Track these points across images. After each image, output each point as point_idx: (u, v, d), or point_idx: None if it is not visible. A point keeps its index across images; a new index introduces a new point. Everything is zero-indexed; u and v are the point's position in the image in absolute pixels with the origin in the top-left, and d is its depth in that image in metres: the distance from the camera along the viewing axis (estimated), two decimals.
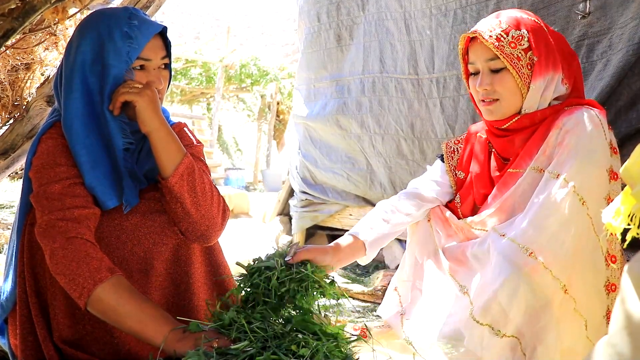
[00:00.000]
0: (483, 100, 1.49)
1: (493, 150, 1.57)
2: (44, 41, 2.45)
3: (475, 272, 1.42)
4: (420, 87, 2.97)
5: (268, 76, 12.63)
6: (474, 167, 1.60)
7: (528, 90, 1.43)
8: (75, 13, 2.18)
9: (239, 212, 6.31)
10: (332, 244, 1.53)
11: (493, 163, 1.55)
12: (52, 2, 1.76)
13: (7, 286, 1.37)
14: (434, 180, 1.69)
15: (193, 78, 12.82)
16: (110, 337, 1.28)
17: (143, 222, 1.31)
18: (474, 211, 1.57)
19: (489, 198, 1.50)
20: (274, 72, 12.75)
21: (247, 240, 4.19)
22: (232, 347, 1.08)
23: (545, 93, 1.44)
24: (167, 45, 1.40)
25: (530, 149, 1.44)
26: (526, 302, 1.25)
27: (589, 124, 1.35)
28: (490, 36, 1.42)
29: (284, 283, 1.22)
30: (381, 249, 1.96)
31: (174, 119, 1.51)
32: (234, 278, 1.28)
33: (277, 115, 13.68)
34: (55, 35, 2.40)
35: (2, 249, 3.13)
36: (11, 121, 2.63)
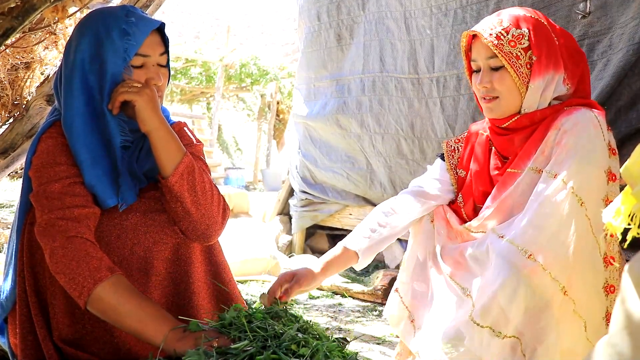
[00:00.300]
0: (484, 98, 1.49)
1: (493, 148, 1.57)
2: (43, 40, 2.45)
3: (474, 274, 1.41)
4: (420, 87, 2.96)
5: (268, 75, 12.63)
6: (474, 165, 1.60)
7: (527, 90, 1.42)
8: (75, 12, 2.18)
9: (238, 211, 6.31)
10: (321, 261, 1.54)
11: (493, 161, 1.55)
12: (52, 1, 1.76)
13: (7, 285, 1.37)
14: (435, 179, 1.68)
15: (193, 77, 12.81)
16: (110, 336, 1.28)
17: (143, 221, 1.31)
18: (476, 210, 1.57)
19: (488, 199, 1.50)
20: (274, 71, 12.74)
21: (247, 239, 4.19)
22: (232, 346, 1.08)
23: (545, 93, 1.43)
24: (165, 41, 1.40)
25: (529, 149, 1.43)
26: (526, 303, 1.24)
27: (587, 125, 1.34)
28: (490, 34, 1.42)
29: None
30: None
31: (173, 119, 1.51)
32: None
33: (277, 115, 13.68)
34: (55, 34, 2.40)
35: (2, 248, 3.13)
36: (11, 120, 2.63)
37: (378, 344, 2.27)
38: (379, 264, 3.58)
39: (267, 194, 8.87)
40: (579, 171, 1.30)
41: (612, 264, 1.32)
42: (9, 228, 3.54)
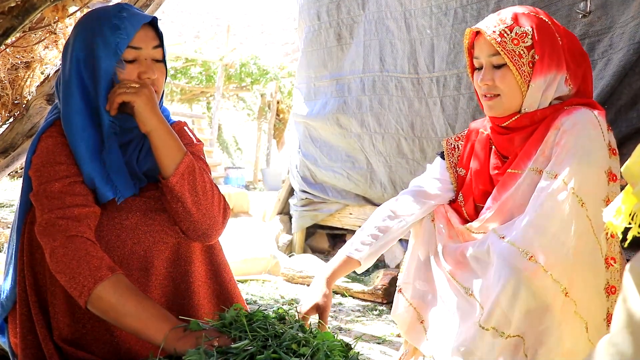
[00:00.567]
0: (485, 95, 1.49)
1: (493, 147, 1.56)
2: (44, 39, 2.45)
3: (475, 273, 1.41)
4: (420, 86, 2.96)
5: (268, 75, 12.63)
6: (474, 164, 1.59)
7: (528, 89, 1.42)
8: (75, 11, 2.18)
9: (239, 211, 6.31)
10: (328, 275, 1.53)
11: (492, 160, 1.55)
12: (52, 0, 1.75)
13: (7, 285, 1.37)
14: (435, 178, 1.68)
15: (193, 77, 12.81)
16: (110, 336, 1.28)
17: (143, 221, 1.31)
18: (476, 209, 1.57)
19: (488, 200, 1.49)
20: (274, 71, 12.74)
21: (247, 239, 4.19)
22: (233, 345, 1.07)
23: (547, 92, 1.43)
24: (159, 37, 1.39)
25: (529, 149, 1.43)
26: (527, 305, 1.24)
27: (587, 125, 1.34)
28: (493, 32, 1.41)
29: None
30: None
31: (173, 118, 1.51)
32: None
33: (277, 114, 13.68)
34: (55, 33, 2.40)
35: (2, 247, 3.13)
36: (11, 120, 2.63)
37: (378, 343, 2.27)
38: (379, 263, 3.58)
39: (267, 193, 8.87)
40: (579, 171, 1.30)
41: (613, 265, 1.32)
42: (9, 227, 3.54)
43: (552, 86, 1.42)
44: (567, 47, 1.43)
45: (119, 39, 1.30)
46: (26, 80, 2.63)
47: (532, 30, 1.40)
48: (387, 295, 2.85)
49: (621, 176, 1.31)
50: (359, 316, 2.67)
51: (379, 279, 2.95)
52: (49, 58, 2.63)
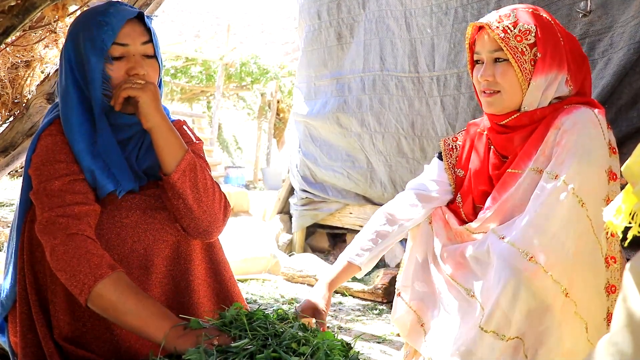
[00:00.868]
0: (484, 92, 1.47)
1: (492, 147, 1.55)
2: (44, 39, 2.45)
3: (476, 274, 1.40)
4: (420, 85, 2.96)
5: (268, 74, 12.62)
6: (473, 164, 1.58)
7: (528, 87, 1.41)
8: (75, 10, 2.18)
9: (239, 210, 6.30)
10: (328, 281, 1.54)
11: (492, 160, 1.54)
12: None
13: (7, 284, 1.37)
14: (432, 180, 1.66)
15: (193, 76, 12.81)
16: (110, 334, 1.28)
17: (143, 219, 1.31)
18: (475, 210, 1.56)
19: (488, 200, 1.48)
20: (274, 70, 12.74)
21: (247, 238, 4.19)
22: (233, 344, 1.07)
23: (547, 92, 1.42)
24: (150, 32, 1.37)
25: (529, 149, 1.42)
26: (527, 306, 1.24)
27: (587, 124, 1.33)
28: (497, 27, 1.40)
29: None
30: None
31: (174, 117, 1.51)
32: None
33: (277, 114, 13.68)
34: (55, 32, 2.39)
35: (2, 247, 3.13)
36: (11, 119, 2.63)
37: (379, 342, 2.27)
38: (379, 262, 3.58)
39: (267, 192, 8.87)
40: (579, 171, 1.29)
41: (613, 264, 1.32)
42: (9, 227, 3.54)
43: (553, 86, 1.42)
44: (569, 48, 1.43)
45: (105, 35, 1.29)
46: (26, 79, 2.63)
47: (536, 28, 1.40)
48: (387, 295, 2.85)
49: (621, 175, 1.32)
50: (359, 315, 2.67)
51: (379, 279, 2.95)
52: (49, 57, 2.63)
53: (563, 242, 1.26)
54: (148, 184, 1.39)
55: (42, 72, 2.67)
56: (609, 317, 1.30)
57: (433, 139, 2.95)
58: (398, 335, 2.31)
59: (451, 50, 2.75)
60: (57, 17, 2.11)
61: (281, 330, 1.14)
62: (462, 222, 1.56)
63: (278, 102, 13.45)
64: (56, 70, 2.50)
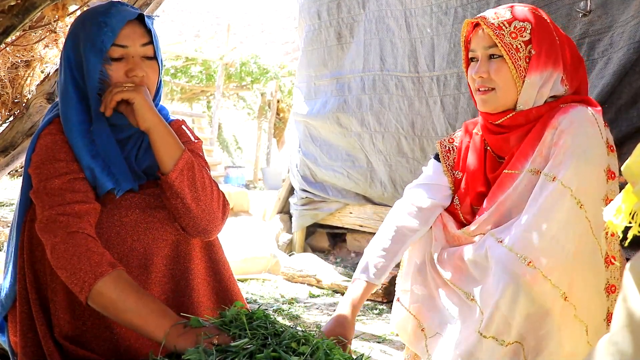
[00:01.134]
0: (478, 90, 1.46)
1: (488, 147, 1.53)
2: (44, 38, 2.45)
3: (475, 278, 1.38)
4: (420, 85, 2.96)
5: (268, 74, 12.62)
6: (469, 165, 1.56)
7: (523, 84, 1.39)
8: (75, 10, 2.18)
9: (239, 210, 6.30)
10: (347, 305, 1.50)
11: (488, 161, 1.52)
12: None
13: (7, 283, 1.37)
14: (432, 185, 1.61)
15: (193, 76, 12.81)
16: (110, 333, 1.28)
17: (143, 218, 1.31)
18: (473, 211, 1.54)
19: (485, 202, 1.47)
20: (274, 70, 12.74)
21: (247, 238, 4.19)
22: (232, 344, 1.07)
23: (542, 90, 1.40)
24: (150, 34, 1.36)
25: (526, 149, 1.40)
26: (527, 310, 1.23)
27: (584, 123, 1.32)
28: (492, 23, 1.39)
29: None
30: None
31: (173, 117, 1.51)
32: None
33: (277, 113, 13.68)
34: (56, 32, 2.39)
35: (2, 246, 3.13)
36: (11, 118, 2.63)
37: (379, 342, 2.27)
38: None
39: (267, 192, 8.87)
40: (577, 173, 1.28)
41: (613, 264, 1.31)
42: (8, 226, 3.54)
43: (548, 84, 1.40)
44: (566, 49, 1.42)
45: (105, 36, 1.29)
46: (26, 79, 2.63)
47: (531, 25, 1.39)
48: (387, 295, 2.85)
49: (620, 173, 1.31)
50: (359, 315, 2.66)
51: None
52: (49, 57, 2.63)
53: (562, 245, 1.25)
54: (147, 183, 1.39)
55: (42, 72, 2.67)
56: (609, 318, 1.29)
57: (433, 138, 2.95)
58: (398, 335, 2.31)
59: (451, 50, 2.75)
60: (57, 16, 2.11)
61: (281, 329, 1.14)
62: (460, 223, 1.55)
63: (278, 101, 13.45)
64: (56, 70, 2.50)
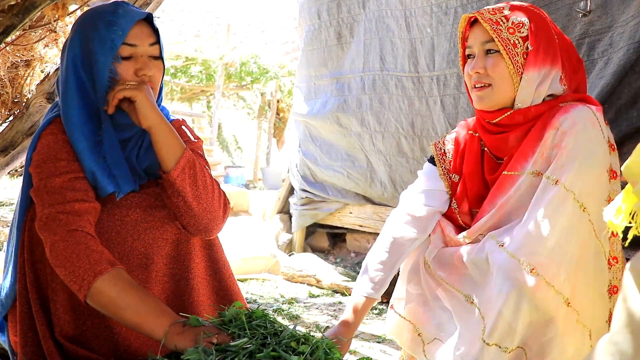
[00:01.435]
0: (475, 86, 1.43)
1: (485, 148, 1.50)
2: (44, 38, 2.45)
3: (475, 280, 1.37)
4: (420, 85, 2.96)
5: (268, 74, 12.62)
6: (467, 168, 1.51)
7: (520, 81, 1.37)
8: (76, 10, 2.18)
9: (238, 210, 6.30)
10: (349, 318, 1.50)
11: (485, 162, 1.49)
12: None
13: (7, 283, 1.37)
14: (428, 191, 1.56)
15: (193, 76, 12.81)
16: (110, 332, 1.28)
17: (143, 217, 1.31)
18: (471, 214, 1.51)
19: (484, 204, 1.44)
20: (274, 70, 12.73)
21: (247, 238, 4.19)
22: (232, 343, 1.07)
23: (540, 88, 1.38)
24: (156, 34, 1.38)
25: (525, 149, 1.37)
26: (530, 317, 1.22)
27: (586, 124, 1.30)
28: (490, 19, 1.38)
29: None
30: None
31: (173, 117, 1.51)
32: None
33: (277, 113, 13.68)
34: (56, 32, 2.40)
35: (2, 246, 3.13)
36: (11, 118, 2.63)
37: (378, 342, 2.27)
38: None
39: (267, 192, 8.87)
40: (580, 176, 1.26)
41: (615, 264, 1.30)
42: (8, 226, 3.54)
43: (546, 81, 1.38)
44: (564, 48, 1.40)
45: (115, 35, 1.30)
46: (26, 79, 2.63)
47: (529, 21, 1.36)
48: (387, 295, 2.84)
49: (621, 173, 1.31)
50: None
51: None
52: (49, 56, 2.63)
53: (565, 251, 1.23)
54: (148, 182, 1.39)
55: (42, 72, 2.68)
56: (610, 318, 1.29)
57: (433, 138, 2.95)
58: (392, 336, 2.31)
59: (451, 50, 2.75)
60: (57, 16, 2.11)
61: (280, 329, 1.14)
62: (459, 227, 1.52)
63: (278, 101, 13.45)
64: (56, 69, 2.50)
